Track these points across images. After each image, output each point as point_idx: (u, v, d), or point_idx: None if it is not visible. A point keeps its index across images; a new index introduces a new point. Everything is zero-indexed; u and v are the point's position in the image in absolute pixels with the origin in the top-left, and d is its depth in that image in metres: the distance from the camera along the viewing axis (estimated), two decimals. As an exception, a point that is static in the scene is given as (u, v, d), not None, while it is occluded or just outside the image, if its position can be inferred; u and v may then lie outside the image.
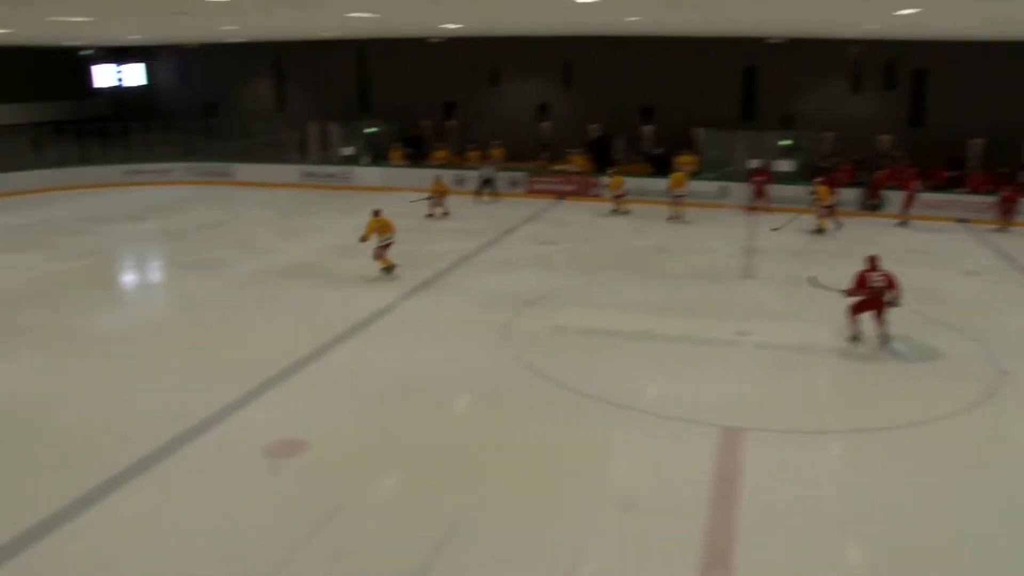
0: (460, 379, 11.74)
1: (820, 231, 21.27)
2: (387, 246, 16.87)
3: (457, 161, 29.11)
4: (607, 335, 13.37)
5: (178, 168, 30.73)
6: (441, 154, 29.54)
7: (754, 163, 25.69)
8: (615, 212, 23.74)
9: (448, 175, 25.78)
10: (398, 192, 25.92)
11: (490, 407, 10.86)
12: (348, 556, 7.40)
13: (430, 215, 23.26)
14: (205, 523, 7.94)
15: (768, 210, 23.31)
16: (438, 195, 23.38)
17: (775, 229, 21.22)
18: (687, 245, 20.09)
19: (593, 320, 14.08)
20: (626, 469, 9.23)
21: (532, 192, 26.91)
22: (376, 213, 17.05)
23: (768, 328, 13.69)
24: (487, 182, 26.30)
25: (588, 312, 14.62)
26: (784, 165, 25.97)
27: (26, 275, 17.41)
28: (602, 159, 27.96)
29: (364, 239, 16.72)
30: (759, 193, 24.05)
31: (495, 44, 29.29)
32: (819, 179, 22.23)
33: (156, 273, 19.52)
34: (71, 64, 33.68)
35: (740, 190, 24.59)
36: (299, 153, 31.33)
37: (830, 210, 21.45)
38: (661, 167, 26.56)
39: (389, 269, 16.82)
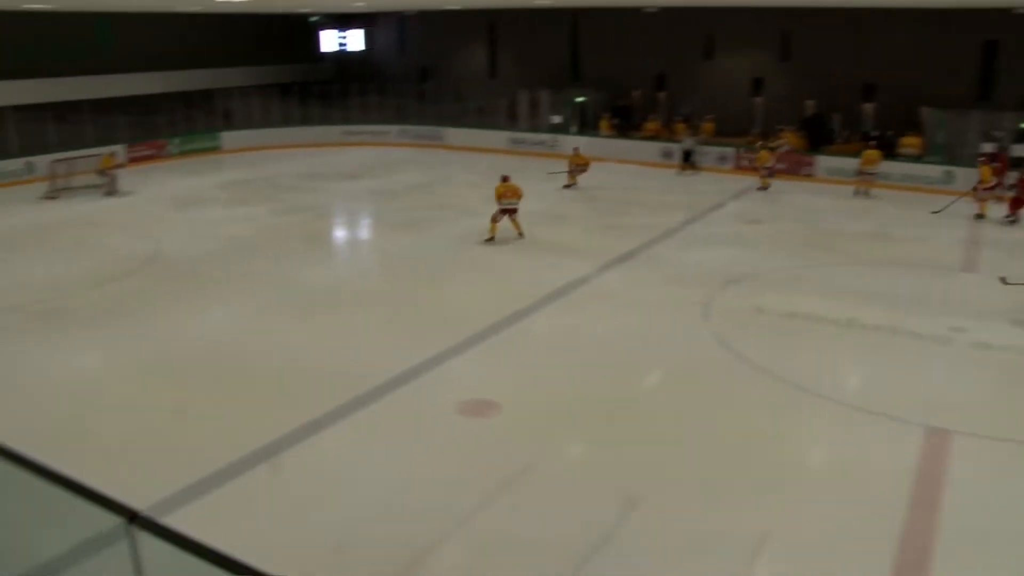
0: (654, 353, 11.67)
1: (980, 216, 19.95)
2: (508, 211, 17.23)
3: (665, 134, 28.70)
4: (809, 320, 12.86)
5: (392, 130, 31.96)
6: (652, 126, 29.16)
7: (987, 147, 23.85)
8: (857, 193, 22.60)
9: (655, 147, 25.54)
10: (604, 163, 25.87)
11: (682, 384, 10.74)
12: (528, 519, 7.54)
13: (567, 186, 23.33)
14: (395, 473, 8.33)
15: (1000, 199, 21.65)
16: (578, 167, 23.35)
17: (935, 212, 20.10)
18: (903, 232, 18.93)
19: (795, 304, 13.56)
20: (818, 459, 8.95)
21: (740, 169, 26.16)
22: (504, 179, 17.50)
23: (987, 326, 12.68)
24: (688, 154, 25.83)
25: (790, 295, 14.09)
26: (1021, 150, 23.95)
27: (249, 226, 18.71)
28: (817, 138, 26.78)
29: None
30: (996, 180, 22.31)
31: (710, 14, 28.53)
32: (983, 159, 20.96)
33: (366, 230, 20.45)
34: (300, 30, 35.58)
35: (967, 176, 22.91)
36: (508, 120, 31.78)
37: (990, 193, 20.24)
38: (881, 149, 25.11)
39: (491, 240, 17.28)
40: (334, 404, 9.68)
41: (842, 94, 27.16)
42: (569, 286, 14.33)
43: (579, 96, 30.99)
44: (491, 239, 17.13)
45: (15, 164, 24.54)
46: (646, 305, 13.59)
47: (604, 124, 29.80)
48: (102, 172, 22.62)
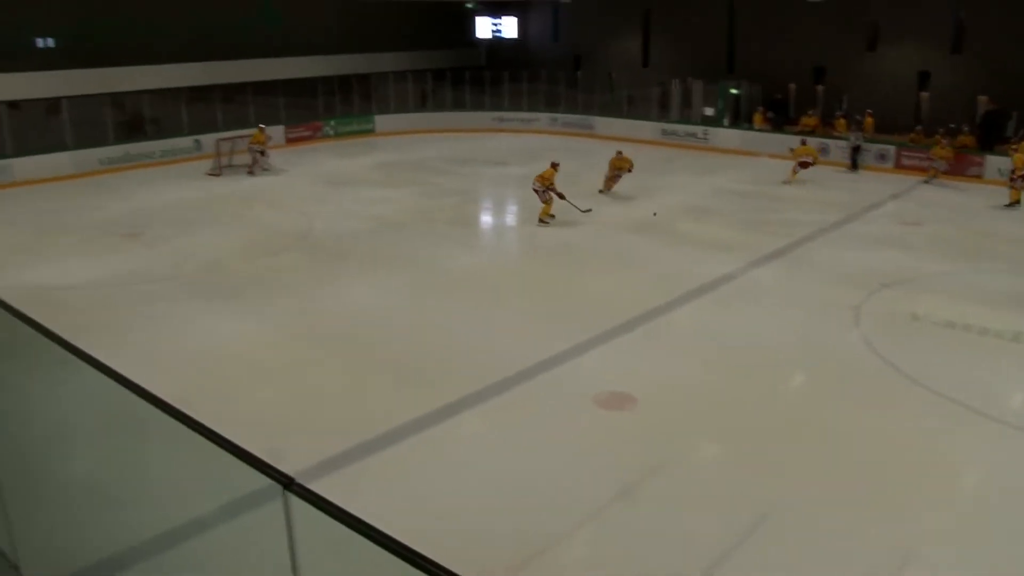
0: (800, 356, 11.27)
1: (1014, 203, 19.55)
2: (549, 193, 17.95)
3: (822, 129, 27.62)
4: (969, 331, 12.12)
5: (542, 118, 32.02)
6: (809, 121, 28.01)
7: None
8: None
9: (812, 142, 24.65)
10: (756, 157, 25.20)
11: (827, 391, 10.30)
12: (658, 516, 7.40)
13: (604, 191, 21.68)
14: (528, 460, 8.35)
15: None
16: (618, 171, 21.52)
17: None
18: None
19: (954, 312, 12.81)
20: (972, 479, 8.41)
21: (901, 167, 24.96)
22: (554, 165, 17.98)
23: None
24: (856, 150, 24.79)
25: (950, 303, 13.31)
26: None
27: (397, 208, 19.11)
28: (991, 137, 25.17)
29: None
30: None
31: (877, 3, 27.25)
32: (1013, 145, 20.26)
33: (511, 217, 20.53)
34: (455, 16, 36.05)
35: None
36: (660, 110, 31.34)
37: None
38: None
39: (544, 221, 18.02)
40: (472, 388, 9.77)
41: (1019, 89, 25.44)
42: (715, 282, 14.00)
43: (733, 88, 30.25)
44: (545, 221, 17.95)
45: (185, 142, 25.98)
46: (794, 305, 13.12)
47: (758, 118, 28.99)
48: (254, 148, 23.56)
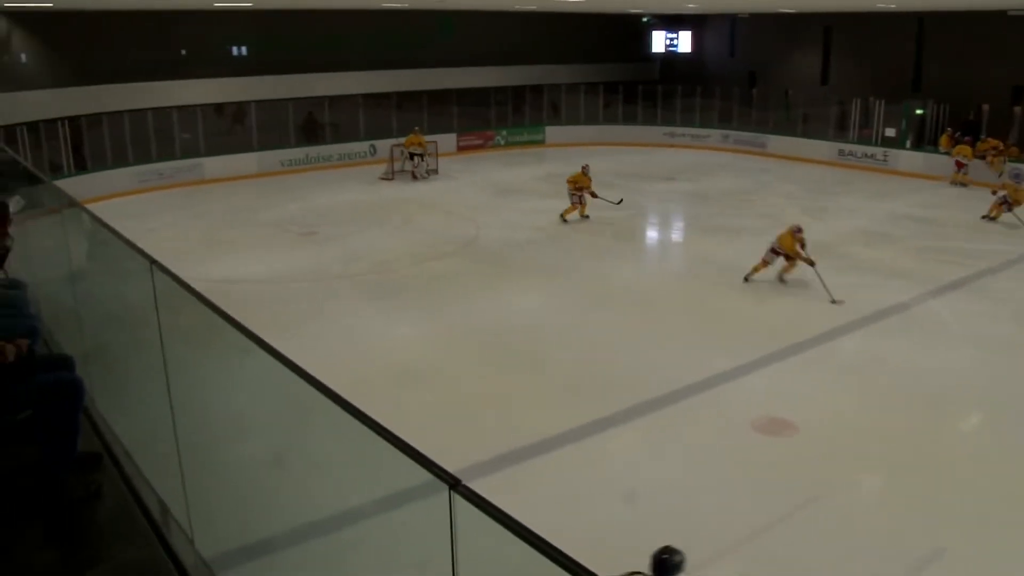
0: (974, 392, 10.63)
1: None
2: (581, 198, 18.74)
3: (1016, 153, 25.86)
4: None
5: (714, 134, 31.55)
6: (991, 144, 26.02)
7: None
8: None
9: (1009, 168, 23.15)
10: (939, 181, 24.00)
11: (1004, 429, 9.67)
12: (810, 548, 7.18)
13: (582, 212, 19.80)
14: (679, 481, 8.24)
15: None
16: (582, 190, 19.27)
17: None
18: None
19: None
20: None
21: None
22: (584, 168, 18.64)
23: None
24: None
25: None
26: None
27: (550, 219, 19.15)
28: None
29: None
30: None
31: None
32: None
33: (677, 233, 20.34)
34: (630, 30, 35.97)
35: None
36: (837, 129, 30.29)
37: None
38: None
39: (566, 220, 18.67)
40: (628, 403, 9.74)
41: None
42: (887, 310, 13.40)
43: (918, 108, 28.87)
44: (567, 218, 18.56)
45: (361, 146, 27.09)
46: (972, 340, 12.36)
47: (944, 140, 27.49)
48: (410, 151, 24.29)
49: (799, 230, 14.30)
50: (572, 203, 18.70)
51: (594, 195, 18.41)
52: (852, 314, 13.03)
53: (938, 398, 10.32)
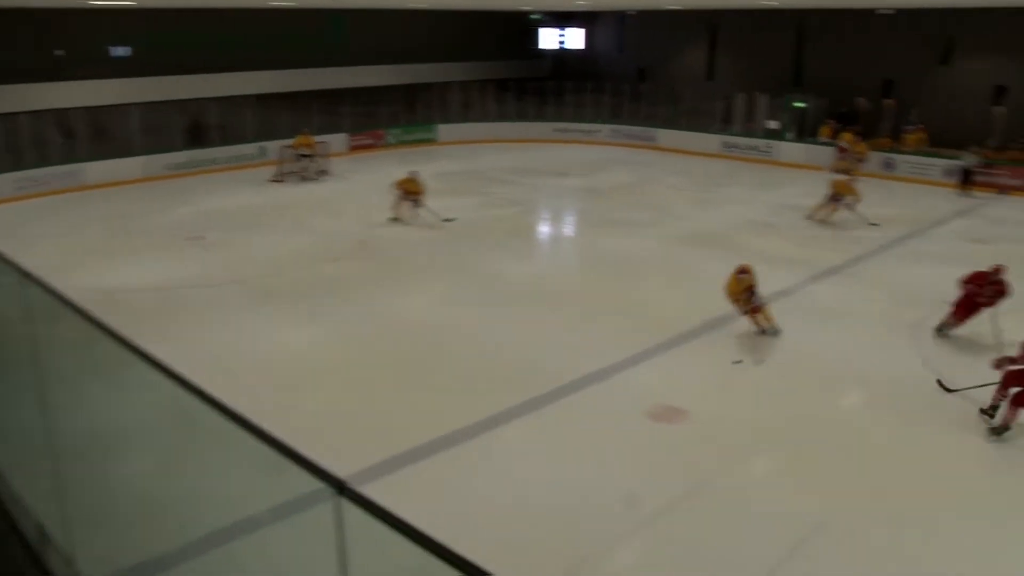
0: (856, 374, 11.08)
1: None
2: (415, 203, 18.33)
3: (891, 144, 27.07)
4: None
5: (604, 129, 31.99)
6: (883, 141, 27.20)
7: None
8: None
9: (878, 158, 24.16)
10: (820, 171, 24.87)
11: (881, 410, 10.11)
12: (706, 530, 7.35)
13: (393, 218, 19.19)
14: (576, 471, 8.37)
15: None
16: (412, 196, 18.82)
17: None
18: None
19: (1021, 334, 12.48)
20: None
21: (970, 184, 24.33)
22: (412, 174, 18.47)
23: None
24: (967, 173, 23.46)
25: (1019, 323, 12.97)
26: None
27: (457, 216, 19.18)
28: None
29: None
30: None
31: (951, 16, 26.60)
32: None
33: (569, 228, 20.57)
34: (521, 27, 36.20)
35: None
36: (722, 123, 31.08)
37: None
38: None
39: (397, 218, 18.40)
40: (524, 397, 9.81)
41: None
42: (773, 296, 13.79)
43: (799, 101, 29.85)
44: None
45: (250, 148, 26.51)
46: (851, 321, 12.91)
47: (825, 130, 28.53)
48: (298, 152, 24.00)
49: (743, 271, 12.34)
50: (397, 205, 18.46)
51: (421, 206, 18.31)
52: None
53: (822, 377, 10.72)
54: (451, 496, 7.82)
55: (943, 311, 12.66)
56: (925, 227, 19.39)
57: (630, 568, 6.99)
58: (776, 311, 13.08)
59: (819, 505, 7.83)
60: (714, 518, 7.61)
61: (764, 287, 14.09)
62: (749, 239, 17.76)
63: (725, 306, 12.99)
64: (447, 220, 18.40)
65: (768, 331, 12.19)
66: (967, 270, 15.32)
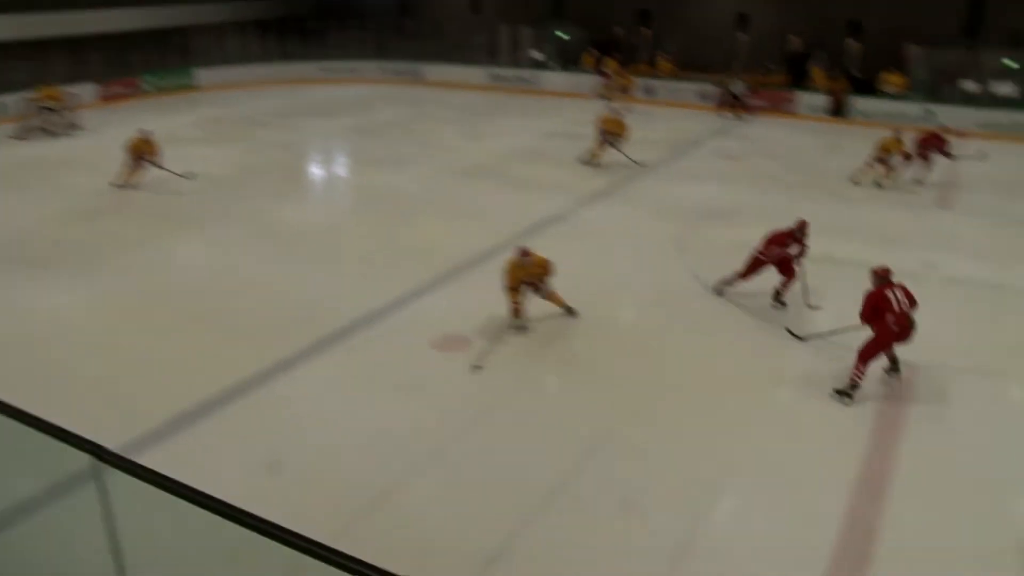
0: (629, 289, 11.67)
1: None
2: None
3: (648, 71, 28.37)
4: (782, 256, 12.83)
5: (369, 67, 31.48)
6: (642, 68, 28.45)
7: (970, 86, 23.72)
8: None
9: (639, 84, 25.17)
10: (585, 99, 25.61)
11: (656, 319, 10.75)
12: (493, 452, 7.54)
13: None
14: (370, 408, 8.34)
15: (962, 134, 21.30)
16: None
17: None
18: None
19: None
20: (788, 393, 8.92)
21: (722, 106, 25.91)
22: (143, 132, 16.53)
23: (958, 263, 12.80)
24: (735, 97, 25.05)
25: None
26: (1004, 89, 23.75)
27: (223, 165, 18.41)
28: (800, 74, 26.53)
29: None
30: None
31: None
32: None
33: (341, 168, 20.21)
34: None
35: (950, 114, 22.68)
36: (489, 56, 31.32)
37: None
38: (862, 89, 24.95)
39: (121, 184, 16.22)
40: (308, 342, 9.61)
41: (828, 30, 26.75)
42: (546, 222, 14.23)
43: (561, 32, 30.54)
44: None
45: (-15, 103, 24.07)
46: (622, 240, 13.54)
47: (587, 59, 29.40)
48: (43, 106, 22.16)
49: (526, 253, 10.03)
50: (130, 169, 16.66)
51: (159, 167, 16.54)
52: (517, 228, 13.64)
53: (596, 296, 11.13)
54: (246, 448, 7.58)
55: (706, 223, 13.51)
56: (684, 148, 20.46)
57: (430, 497, 7.04)
58: (550, 235, 13.48)
59: (603, 416, 8.21)
60: (503, 437, 7.80)
61: (536, 213, 14.50)
62: (519, 168, 18.12)
63: (502, 235, 13.23)
64: (183, 176, 16.75)
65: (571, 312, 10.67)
66: (723, 187, 16.42)
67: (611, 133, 18.22)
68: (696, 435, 7.95)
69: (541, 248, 12.63)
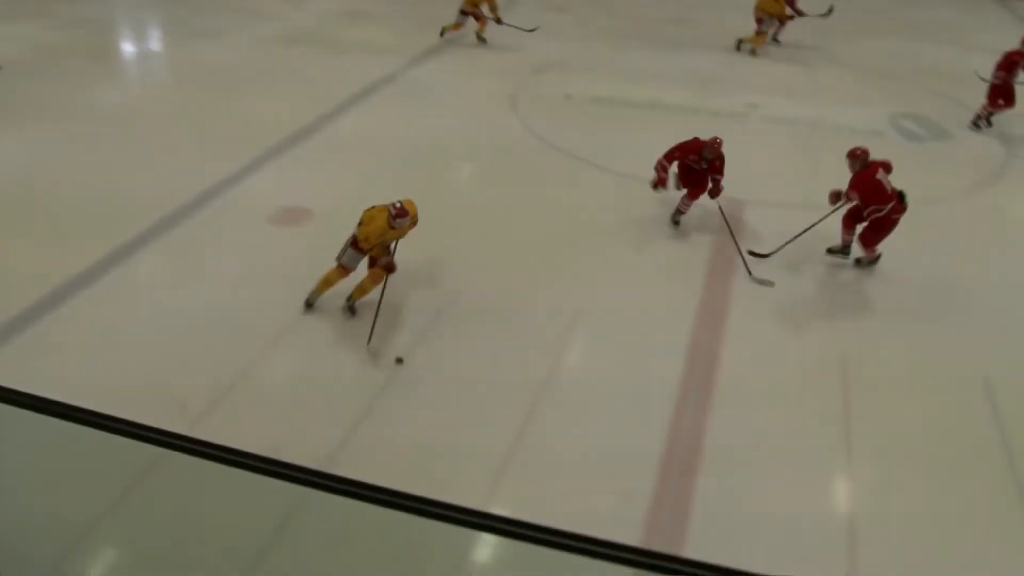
0: (466, 147, 11.70)
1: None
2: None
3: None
4: (615, 104, 13.13)
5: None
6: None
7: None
8: None
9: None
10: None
11: (496, 174, 10.91)
12: (350, 320, 7.59)
13: None
14: (213, 289, 8.13)
15: None
16: None
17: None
18: (703, 15, 19.30)
19: (601, 89, 13.78)
20: (627, 238, 9.28)
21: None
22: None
23: (778, 102, 13.43)
24: None
25: (597, 81, 14.27)
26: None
27: (20, 46, 16.93)
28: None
29: None
30: None
31: None
32: None
33: (154, 42, 19.00)
34: None
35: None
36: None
37: None
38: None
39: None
40: (139, 229, 9.16)
41: None
42: (375, 85, 13.93)
43: None
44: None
45: None
46: (455, 99, 13.45)
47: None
48: None
49: (401, 214, 7.50)
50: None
51: None
52: (342, 96, 13.30)
53: (434, 156, 11.14)
54: (84, 347, 7.28)
55: (536, 77, 13.57)
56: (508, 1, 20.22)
57: (284, 376, 7.06)
58: (382, 98, 13.27)
59: (452, 273, 8.39)
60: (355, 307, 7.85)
61: (366, 77, 14.13)
62: (346, 32, 17.52)
63: (331, 102, 12.88)
64: None
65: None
66: (552, 39, 16.33)
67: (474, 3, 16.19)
68: (535, 286, 8.23)
69: (372, 113, 12.44)
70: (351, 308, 7.67)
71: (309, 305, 7.74)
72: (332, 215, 9.45)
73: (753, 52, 16.20)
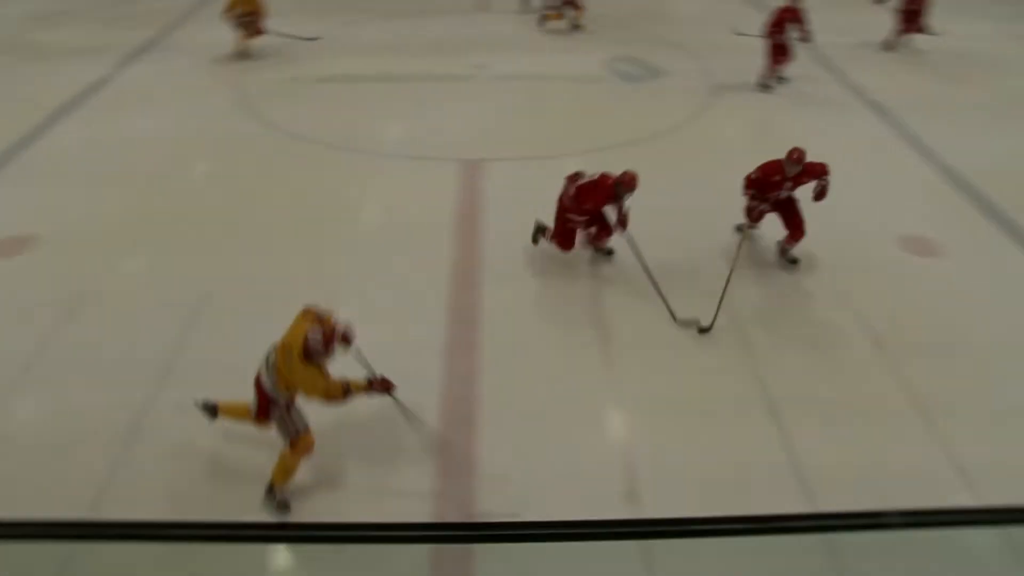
0: (197, 146, 11.07)
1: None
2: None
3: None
4: (345, 81, 13.02)
5: None
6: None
7: None
8: None
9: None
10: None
11: (234, 170, 10.41)
12: (96, 346, 7.14)
13: None
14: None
15: None
16: None
17: None
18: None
19: (329, 67, 13.59)
20: (373, 213, 9.26)
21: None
22: None
23: (504, 60, 13.82)
24: None
25: (323, 60, 14.02)
26: None
27: None
28: None
29: None
30: None
31: None
32: None
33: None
34: None
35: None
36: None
37: None
38: None
39: None
40: None
41: None
42: (87, 91, 12.89)
43: None
44: None
45: None
46: (180, 97, 12.68)
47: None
48: None
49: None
50: None
51: None
52: (50, 105, 12.13)
53: (164, 161, 10.48)
54: None
55: (258, 64, 13.18)
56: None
57: (41, 383, 6.59)
58: (95, 105, 12.37)
59: (204, 280, 8.06)
60: (105, 327, 7.39)
61: (75, 83, 13.02)
62: (45, 35, 15.99)
63: (38, 115, 11.86)
64: None
65: None
66: (283, 19, 15.66)
67: (247, 15, 14.30)
68: (288, 272, 8.12)
69: (87, 121, 11.61)
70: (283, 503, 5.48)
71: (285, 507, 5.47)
72: (63, 236, 8.78)
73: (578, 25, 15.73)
